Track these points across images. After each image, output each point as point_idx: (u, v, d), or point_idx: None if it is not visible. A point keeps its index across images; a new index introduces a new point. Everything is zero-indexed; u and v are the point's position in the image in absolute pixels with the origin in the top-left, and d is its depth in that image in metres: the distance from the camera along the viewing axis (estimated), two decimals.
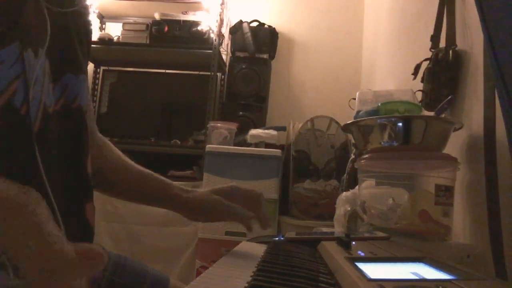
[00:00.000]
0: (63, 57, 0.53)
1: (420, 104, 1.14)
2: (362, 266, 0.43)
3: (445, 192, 0.88)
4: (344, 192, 1.21)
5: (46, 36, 0.48)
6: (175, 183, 0.74)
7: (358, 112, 1.19)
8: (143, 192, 0.74)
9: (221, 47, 2.54)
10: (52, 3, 0.50)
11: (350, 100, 1.46)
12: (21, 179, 0.44)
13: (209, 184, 1.96)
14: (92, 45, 0.68)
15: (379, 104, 1.10)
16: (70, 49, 0.55)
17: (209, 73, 2.40)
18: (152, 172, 0.75)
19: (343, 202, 1.15)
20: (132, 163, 0.75)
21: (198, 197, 0.72)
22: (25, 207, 0.37)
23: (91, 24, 0.63)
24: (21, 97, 0.44)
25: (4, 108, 0.43)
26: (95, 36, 2.51)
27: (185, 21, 2.51)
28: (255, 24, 2.66)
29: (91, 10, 2.55)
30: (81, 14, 0.58)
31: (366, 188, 1.01)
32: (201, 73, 2.61)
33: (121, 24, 2.66)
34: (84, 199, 0.58)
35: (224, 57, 2.66)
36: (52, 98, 0.51)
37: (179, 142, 2.37)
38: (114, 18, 2.81)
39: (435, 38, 1.17)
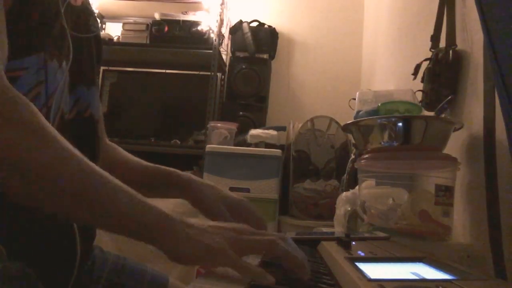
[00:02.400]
0: (77, 70, 0.59)
1: (420, 104, 1.14)
2: (362, 266, 0.43)
3: (445, 192, 0.88)
4: (344, 192, 1.21)
5: (69, 54, 0.55)
6: (185, 173, 0.74)
7: (358, 112, 1.19)
8: (160, 187, 0.74)
9: (221, 47, 2.54)
10: (73, 29, 0.58)
11: (350, 100, 1.46)
12: None
13: None
14: None
15: (379, 104, 1.10)
16: (84, 65, 0.62)
17: (209, 73, 2.40)
18: (168, 168, 0.75)
19: (343, 202, 1.15)
20: (143, 161, 0.78)
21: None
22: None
23: (101, 40, 0.71)
24: (42, 101, 0.49)
25: None
26: None
27: (185, 21, 2.51)
28: (255, 24, 2.66)
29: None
30: (96, 37, 0.67)
31: (366, 188, 1.01)
32: (201, 73, 2.61)
33: (121, 24, 2.66)
34: None
35: (224, 57, 2.66)
36: (68, 107, 0.57)
37: (179, 142, 2.37)
38: (114, 18, 2.80)
39: (435, 38, 1.17)
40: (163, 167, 0.75)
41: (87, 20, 0.63)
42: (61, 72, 0.52)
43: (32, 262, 0.40)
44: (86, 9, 0.64)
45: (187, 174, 0.74)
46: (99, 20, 2.78)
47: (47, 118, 0.49)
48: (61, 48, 0.53)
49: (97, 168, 0.43)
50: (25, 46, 0.47)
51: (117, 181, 0.44)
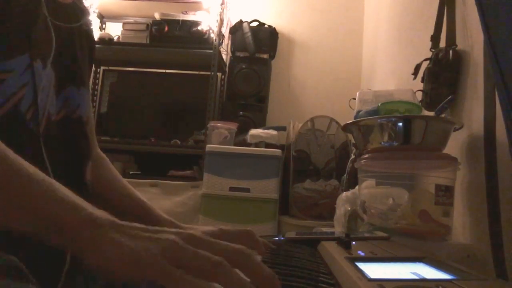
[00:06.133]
0: (66, 70, 0.57)
1: (420, 104, 1.14)
2: (362, 266, 0.43)
3: (445, 192, 0.88)
4: (344, 192, 1.21)
5: (51, 49, 0.52)
6: (166, 217, 0.73)
7: (358, 112, 1.19)
8: (132, 220, 0.74)
9: (221, 47, 2.54)
10: (57, 18, 0.54)
11: (350, 100, 1.46)
12: None
13: (209, 184, 1.96)
14: None
15: (379, 104, 1.10)
16: (73, 64, 0.59)
17: (209, 73, 2.40)
18: (147, 203, 0.74)
19: (343, 202, 1.15)
20: (129, 187, 0.75)
21: None
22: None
23: (94, 42, 0.68)
24: (28, 103, 0.48)
25: (11, 112, 0.46)
26: (95, 36, 2.51)
27: (185, 21, 2.51)
28: (255, 24, 2.66)
29: (90, 10, 2.57)
30: (86, 32, 0.64)
31: (366, 188, 1.01)
32: (201, 73, 2.61)
33: (121, 24, 2.66)
34: None
35: (224, 57, 2.66)
36: (55, 108, 0.55)
37: (179, 142, 2.37)
38: (114, 18, 2.81)
39: (435, 38, 1.17)
40: (150, 207, 0.72)
41: (77, 18, 0.60)
42: (46, 73, 0.51)
43: (19, 255, 0.39)
44: (77, 6, 0.61)
45: (169, 219, 0.72)
46: (99, 20, 2.78)
47: (35, 119, 0.48)
48: (43, 43, 0.51)
49: (9, 152, 0.37)
50: (8, 48, 0.46)
51: (38, 173, 0.37)
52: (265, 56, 2.62)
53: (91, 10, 2.57)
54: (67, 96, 0.57)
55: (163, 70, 2.74)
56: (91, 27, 0.66)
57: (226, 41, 2.67)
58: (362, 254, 0.52)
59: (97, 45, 2.48)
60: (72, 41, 0.59)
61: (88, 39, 0.65)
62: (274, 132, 2.18)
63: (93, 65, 0.68)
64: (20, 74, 0.47)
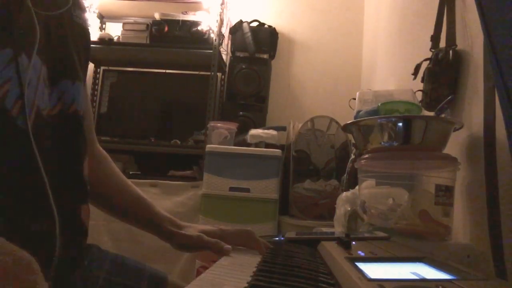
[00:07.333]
0: (59, 63, 0.55)
1: (420, 104, 1.14)
2: (362, 266, 0.43)
3: (445, 192, 0.88)
4: (344, 192, 1.21)
5: (35, 40, 0.50)
6: (167, 215, 0.74)
7: (358, 112, 1.19)
8: (132, 217, 0.76)
9: (221, 47, 2.54)
10: (45, 9, 0.53)
11: (350, 100, 1.46)
12: (20, 177, 0.44)
13: (209, 184, 1.96)
14: (92, 45, 0.68)
15: (379, 104, 1.10)
16: (66, 56, 0.58)
17: (209, 73, 2.40)
18: (147, 200, 0.75)
19: (343, 202, 1.15)
20: (129, 184, 0.76)
21: (183, 234, 0.72)
22: None
23: (89, 33, 0.65)
24: (13, 98, 0.46)
25: None
26: (95, 36, 2.51)
27: (185, 21, 2.51)
28: (255, 24, 2.66)
29: (90, 9, 2.56)
30: (81, 26, 0.61)
31: (366, 188, 1.01)
32: (201, 73, 2.61)
33: (121, 24, 2.66)
34: (80, 201, 0.59)
35: (224, 57, 2.66)
36: (48, 103, 0.53)
37: (179, 142, 2.37)
38: (114, 18, 2.81)
39: (435, 38, 1.17)
40: (151, 205, 0.74)
41: (68, 9, 0.58)
42: (32, 65, 0.49)
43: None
44: None
45: (169, 217, 0.73)
46: (99, 20, 2.78)
47: (23, 115, 0.47)
48: (27, 35, 0.49)
49: None
50: None
51: None
52: (265, 56, 2.61)
53: (90, 10, 2.57)
54: (62, 90, 0.56)
55: (163, 70, 2.74)
56: (85, 20, 0.64)
57: (226, 41, 2.67)
58: (362, 254, 0.52)
59: (97, 45, 2.48)
60: (63, 31, 0.57)
61: (82, 33, 0.63)
62: (274, 132, 2.18)
63: (93, 64, 0.66)
64: (2, 69, 0.45)
